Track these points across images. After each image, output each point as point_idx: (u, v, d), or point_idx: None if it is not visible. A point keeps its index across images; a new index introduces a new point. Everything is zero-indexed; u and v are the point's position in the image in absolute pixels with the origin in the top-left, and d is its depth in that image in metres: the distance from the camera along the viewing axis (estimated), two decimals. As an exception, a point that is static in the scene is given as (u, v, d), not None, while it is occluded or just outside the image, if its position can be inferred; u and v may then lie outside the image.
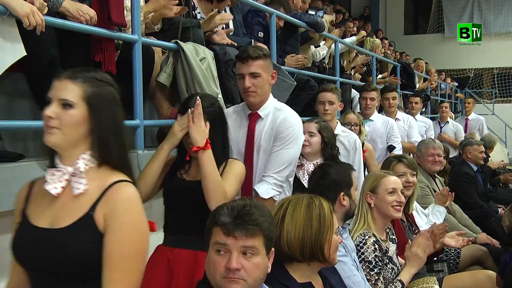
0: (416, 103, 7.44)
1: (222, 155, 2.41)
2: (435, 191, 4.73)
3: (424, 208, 4.36)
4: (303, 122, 3.13)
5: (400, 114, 6.10)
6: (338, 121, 4.16)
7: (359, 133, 4.30)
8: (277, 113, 2.85)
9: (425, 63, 11.87)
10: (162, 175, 2.45)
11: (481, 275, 3.53)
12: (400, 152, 5.00)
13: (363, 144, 4.17)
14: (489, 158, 7.80)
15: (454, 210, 4.94)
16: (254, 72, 2.74)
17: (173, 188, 2.44)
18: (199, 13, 3.89)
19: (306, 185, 3.09)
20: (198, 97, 2.36)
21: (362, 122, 4.45)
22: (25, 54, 2.42)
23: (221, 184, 2.29)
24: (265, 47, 3.90)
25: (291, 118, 2.85)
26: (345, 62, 7.21)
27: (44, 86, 2.66)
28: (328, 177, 2.78)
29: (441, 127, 9.02)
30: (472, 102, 10.78)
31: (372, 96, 5.22)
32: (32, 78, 2.72)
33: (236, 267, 1.69)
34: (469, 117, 10.60)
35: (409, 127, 6.09)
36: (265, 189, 2.73)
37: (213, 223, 1.77)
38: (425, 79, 11.10)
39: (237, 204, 1.79)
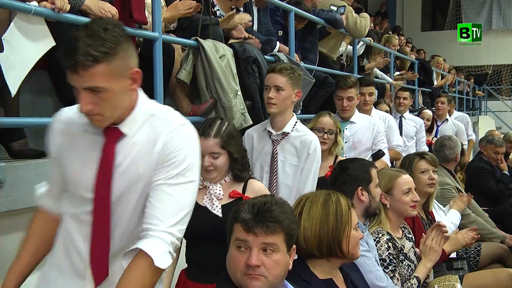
0: (404, 98, 6.27)
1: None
2: (458, 189, 4.71)
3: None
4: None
5: (375, 112, 5.00)
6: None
7: (335, 143, 3.47)
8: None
9: (443, 59, 11.78)
10: None
11: (502, 273, 3.50)
12: (388, 161, 4.27)
13: (335, 158, 3.45)
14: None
15: (472, 206, 4.91)
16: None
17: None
18: (218, 10, 3.90)
19: (219, 214, 2.31)
20: None
21: (340, 130, 3.53)
22: (55, 43, 2.45)
23: None
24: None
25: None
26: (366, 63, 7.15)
27: (67, 83, 2.71)
28: (346, 172, 2.78)
29: (437, 126, 7.31)
30: (448, 100, 8.30)
31: (350, 95, 4.09)
32: (56, 76, 2.75)
33: (256, 264, 1.69)
34: (451, 117, 8.27)
35: (388, 129, 4.90)
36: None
37: (234, 220, 1.78)
38: (442, 76, 11.02)
39: (258, 200, 1.79)
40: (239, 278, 1.73)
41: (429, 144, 6.17)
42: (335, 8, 5.52)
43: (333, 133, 3.42)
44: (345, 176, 2.77)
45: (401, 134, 5.64)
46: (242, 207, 1.77)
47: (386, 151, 4.23)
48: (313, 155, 2.91)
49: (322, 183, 3.01)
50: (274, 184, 2.93)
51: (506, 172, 6.06)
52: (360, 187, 2.73)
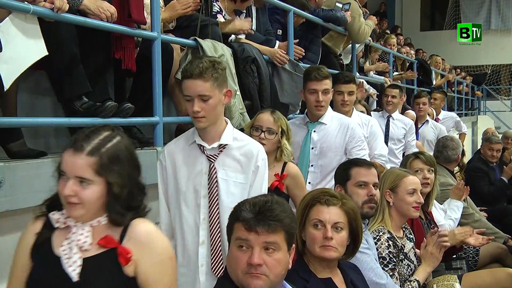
0: (393, 96, 5.42)
1: None
2: None
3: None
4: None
5: (357, 114, 4.16)
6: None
7: (279, 150, 2.93)
8: None
9: (442, 59, 11.79)
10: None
11: (501, 273, 3.51)
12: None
13: (284, 165, 2.95)
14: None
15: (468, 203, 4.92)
16: None
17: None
18: (221, 11, 3.88)
19: (74, 276, 1.60)
20: None
21: (285, 132, 2.94)
22: (47, 53, 2.44)
23: None
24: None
25: None
26: (366, 62, 7.14)
27: (65, 83, 2.71)
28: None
29: (417, 128, 6.44)
30: (440, 98, 7.87)
31: (326, 87, 3.41)
32: (54, 76, 2.74)
33: (258, 263, 1.70)
34: (439, 116, 7.87)
35: (371, 135, 4.05)
36: None
37: (234, 219, 1.78)
38: (442, 76, 11.03)
39: (259, 200, 1.79)
40: (240, 277, 1.73)
41: None
42: (340, 5, 5.49)
43: (273, 133, 2.86)
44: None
45: (387, 136, 5.23)
46: (243, 206, 1.77)
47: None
48: (262, 167, 2.39)
49: None
50: (216, 210, 2.32)
51: (504, 178, 6.07)
52: (338, 185, 2.80)
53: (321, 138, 3.43)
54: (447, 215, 4.10)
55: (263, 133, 2.86)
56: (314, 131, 3.43)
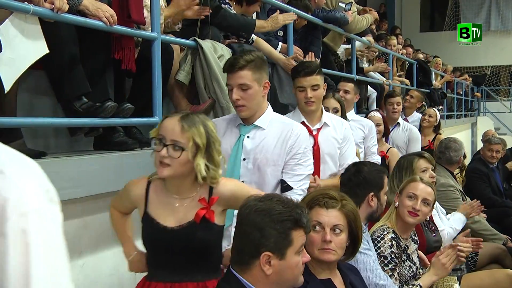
0: (346, 92, 4.49)
1: None
2: (459, 190, 4.72)
3: (454, 210, 4.32)
4: None
5: (326, 115, 3.35)
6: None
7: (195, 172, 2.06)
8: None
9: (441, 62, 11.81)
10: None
11: (500, 274, 3.51)
12: (299, 197, 2.53)
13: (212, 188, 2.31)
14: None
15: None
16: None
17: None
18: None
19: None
20: None
21: (200, 146, 1.99)
22: (48, 51, 2.44)
23: None
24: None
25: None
26: (364, 59, 7.14)
27: (65, 83, 2.71)
28: (360, 175, 2.78)
29: (389, 132, 5.29)
30: (417, 97, 6.76)
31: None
32: (53, 76, 2.74)
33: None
34: (409, 118, 6.58)
35: (343, 141, 3.28)
36: None
37: (291, 228, 1.75)
38: (442, 77, 11.03)
39: (291, 203, 1.81)
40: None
41: (382, 156, 4.61)
42: (343, 5, 5.50)
43: (179, 148, 1.96)
44: (360, 178, 2.77)
45: None
46: (296, 213, 1.76)
47: (296, 182, 2.62)
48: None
49: None
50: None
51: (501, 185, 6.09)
52: (372, 193, 2.73)
53: (256, 147, 2.61)
54: (449, 222, 4.09)
55: (165, 147, 1.97)
56: (248, 137, 2.62)
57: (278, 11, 4.16)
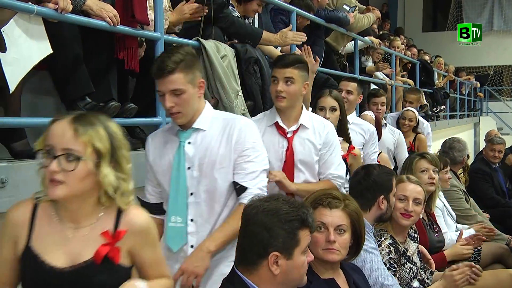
0: (348, 92, 4.15)
1: None
2: (463, 190, 4.72)
3: (457, 210, 4.31)
4: None
5: (306, 115, 2.93)
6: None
7: (100, 189, 1.73)
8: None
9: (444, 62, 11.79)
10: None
11: (503, 274, 3.50)
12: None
13: (120, 214, 1.99)
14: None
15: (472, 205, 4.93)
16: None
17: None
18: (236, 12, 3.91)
19: None
20: None
21: (103, 152, 1.60)
22: (51, 51, 2.45)
23: None
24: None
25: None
26: (366, 58, 7.14)
27: (68, 83, 2.72)
28: (370, 178, 2.77)
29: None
30: (416, 100, 6.17)
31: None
32: (57, 76, 2.75)
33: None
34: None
35: (326, 146, 2.85)
36: None
37: (298, 227, 1.76)
38: (444, 77, 11.02)
39: (297, 203, 1.82)
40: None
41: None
42: (347, 8, 5.51)
43: (73, 159, 1.56)
44: (370, 182, 2.76)
45: None
46: (302, 214, 1.77)
47: (258, 180, 2.34)
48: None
49: None
50: None
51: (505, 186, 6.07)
52: (382, 196, 2.73)
53: (199, 152, 2.32)
54: (459, 228, 4.08)
55: (55, 160, 1.55)
56: (189, 143, 2.34)
57: (291, 26, 4.06)
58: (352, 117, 4.08)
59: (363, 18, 5.98)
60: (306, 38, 4.16)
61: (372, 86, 6.91)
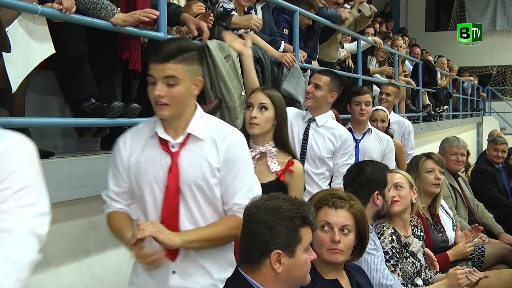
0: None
1: None
2: (457, 190, 4.70)
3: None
4: None
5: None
6: None
7: None
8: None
9: (447, 60, 11.77)
10: None
11: (507, 274, 3.50)
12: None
13: None
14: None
15: (477, 207, 4.91)
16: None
17: None
18: (233, 10, 3.89)
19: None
20: None
21: None
22: (54, 52, 2.45)
23: None
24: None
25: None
26: (373, 59, 7.13)
27: (73, 85, 2.72)
28: (363, 175, 2.76)
29: (356, 141, 4.14)
30: (393, 92, 5.11)
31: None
32: (61, 76, 2.76)
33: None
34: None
35: (227, 165, 2.03)
36: None
37: (299, 225, 1.75)
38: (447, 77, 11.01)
39: (298, 201, 1.82)
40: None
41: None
42: (348, 6, 5.52)
43: None
44: (363, 178, 2.75)
45: (304, 150, 3.43)
46: (303, 211, 1.77)
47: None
48: None
49: None
50: None
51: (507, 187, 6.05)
52: (377, 191, 2.73)
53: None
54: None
55: None
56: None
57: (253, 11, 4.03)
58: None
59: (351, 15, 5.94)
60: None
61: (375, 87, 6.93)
